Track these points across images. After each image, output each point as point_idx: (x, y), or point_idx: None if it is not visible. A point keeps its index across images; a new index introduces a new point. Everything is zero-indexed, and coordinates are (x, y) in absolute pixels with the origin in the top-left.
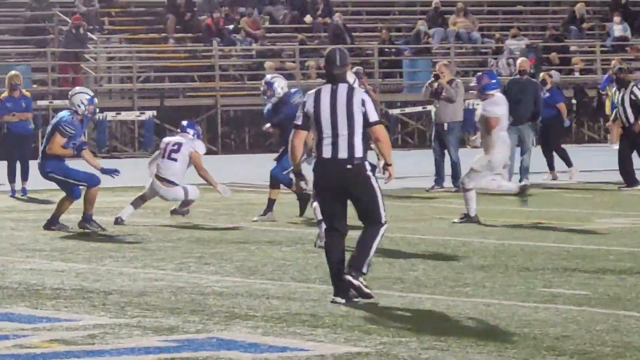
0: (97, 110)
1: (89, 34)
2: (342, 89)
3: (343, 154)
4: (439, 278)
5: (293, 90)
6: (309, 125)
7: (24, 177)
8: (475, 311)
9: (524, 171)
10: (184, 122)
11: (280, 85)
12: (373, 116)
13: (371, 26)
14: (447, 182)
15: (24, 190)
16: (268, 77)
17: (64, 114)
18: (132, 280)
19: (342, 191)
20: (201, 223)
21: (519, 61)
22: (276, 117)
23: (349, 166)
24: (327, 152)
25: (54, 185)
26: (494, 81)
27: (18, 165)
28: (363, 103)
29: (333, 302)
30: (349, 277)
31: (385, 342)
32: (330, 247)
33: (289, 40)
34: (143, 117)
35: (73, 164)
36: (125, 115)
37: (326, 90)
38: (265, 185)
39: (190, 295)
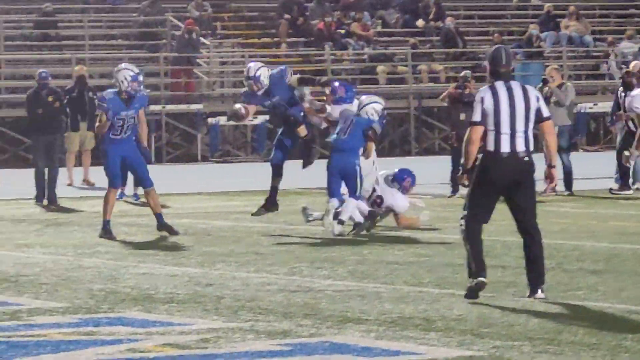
0: (142, 87)
1: (201, 38)
2: (516, 86)
3: (521, 147)
4: (551, 282)
5: (277, 70)
6: (486, 121)
7: (136, 182)
8: (588, 315)
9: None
10: None
11: (265, 75)
12: (546, 112)
13: (483, 30)
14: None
15: (136, 196)
16: (252, 70)
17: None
18: (245, 284)
19: (511, 185)
20: (313, 227)
21: (632, 64)
22: (269, 100)
23: (526, 159)
24: (505, 147)
25: (165, 191)
26: None
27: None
28: (537, 99)
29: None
30: (540, 295)
31: (498, 346)
32: (476, 237)
33: (401, 44)
34: (255, 122)
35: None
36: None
37: (501, 87)
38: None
39: (302, 299)
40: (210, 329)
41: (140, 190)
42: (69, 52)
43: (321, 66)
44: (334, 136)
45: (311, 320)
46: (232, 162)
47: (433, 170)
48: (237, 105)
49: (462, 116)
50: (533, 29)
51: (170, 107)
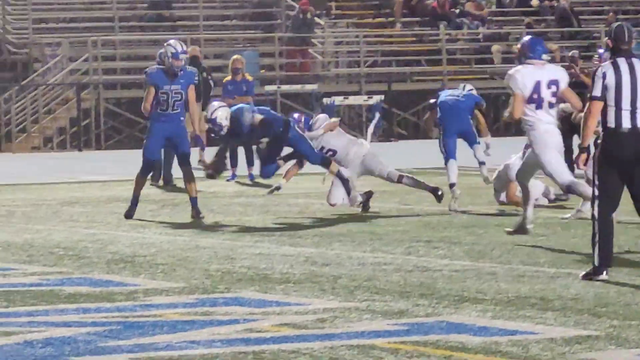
0: (185, 65)
1: (316, 18)
2: (638, 62)
3: None
4: None
5: (235, 109)
6: (606, 97)
7: (250, 162)
8: None
9: None
10: None
11: (222, 117)
12: None
13: (598, 9)
14: None
15: (251, 176)
16: (209, 112)
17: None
18: (361, 264)
19: (632, 162)
20: (428, 207)
21: None
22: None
23: None
24: (626, 123)
25: (280, 171)
26: None
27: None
28: None
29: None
30: None
31: (616, 325)
32: (607, 226)
33: (516, 24)
34: (370, 102)
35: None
36: (352, 100)
37: (623, 63)
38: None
39: (419, 278)
40: (327, 308)
41: (255, 170)
42: (184, 32)
43: (435, 46)
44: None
45: (428, 300)
46: None
47: None
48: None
49: None
50: None
51: (285, 87)
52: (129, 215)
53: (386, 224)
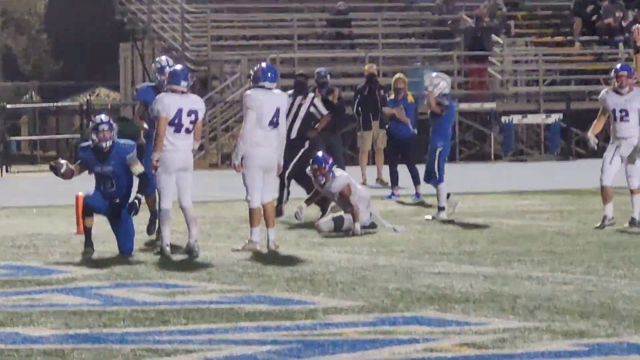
0: (167, 81)
1: (494, 36)
2: None
3: None
4: None
5: None
6: None
7: (415, 180)
8: None
9: None
10: None
11: None
12: None
13: None
14: None
15: (417, 195)
16: None
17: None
18: (541, 283)
19: None
20: (607, 227)
21: None
22: None
23: None
24: None
25: (457, 190)
26: None
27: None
28: None
29: None
30: None
31: None
32: None
33: None
34: (549, 121)
35: None
36: (531, 119)
37: None
38: None
39: (599, 299)
40: (507, 328)
41: (423, 189)
42: (362, 50)
43: (613, 65)
44: None
45: (608, 321)
46: (525, 161)
47: None
48: None
49: None
50: None
51: (463, 106)
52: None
53: (565, 244)
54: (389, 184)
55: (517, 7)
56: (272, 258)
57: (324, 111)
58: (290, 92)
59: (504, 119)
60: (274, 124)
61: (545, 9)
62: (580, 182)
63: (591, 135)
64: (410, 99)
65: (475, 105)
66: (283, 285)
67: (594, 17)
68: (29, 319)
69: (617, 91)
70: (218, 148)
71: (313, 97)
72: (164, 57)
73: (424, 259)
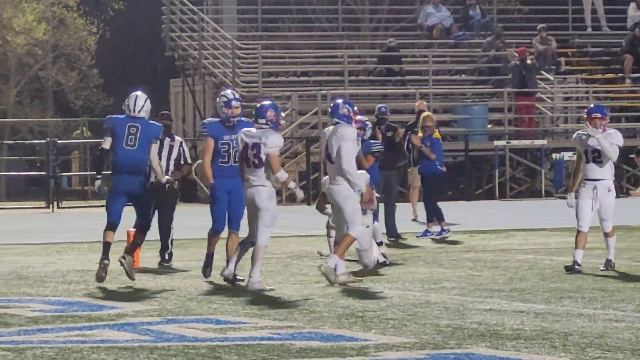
0: (240, 114)
1: (544, 73)
2: None
3: None
4: None
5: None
6: None
7: (430, 218)
8: None
9: None
10: None
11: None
12: None
13: None
14: None
15: (443, 230)
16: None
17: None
18: (592, 321)
19: None
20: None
21: None
22: None
23: None
24: None
25: (507, 226)
26: None
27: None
28: None
29: None
30: None
31: None
32: None
33: None
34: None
35: None
36: None
37: None
38: None
39: None
40: None
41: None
42: (412, 87)
43: None
44: None
45: None
46: (576, 198)
47: None
48: None
49: None
50: None
51: (514, 143)
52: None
53: (617, 281)
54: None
55: (567, 44)
56: (322, 294)
57: (189, 158)
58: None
59: (554, 155)
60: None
61: (596, 45)
62: (632, 220)
63: (571, 194)
64: (436, 135)
65: (526, 142)
66: (334, 321)
67: None
68: (79, 355)
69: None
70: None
71: (181, 142)
72: (229, 91)
73: (474, 296)
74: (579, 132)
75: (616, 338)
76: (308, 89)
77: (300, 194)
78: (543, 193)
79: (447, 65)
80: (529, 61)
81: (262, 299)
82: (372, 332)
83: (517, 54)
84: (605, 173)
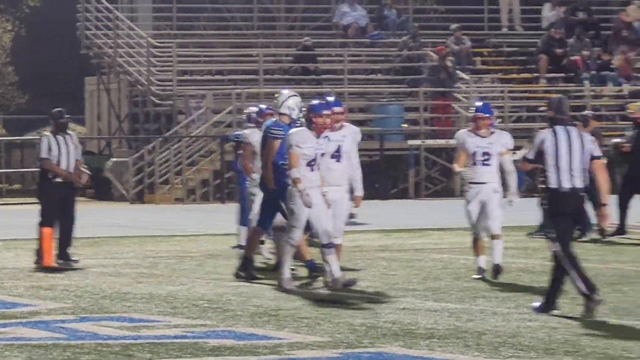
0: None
1: (460, 72)
2: (573, 130)
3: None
4: None
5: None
6: (539, 160)
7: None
8: None
9: None
10: None
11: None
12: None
13: None
14: None
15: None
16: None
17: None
18: (506, 320)
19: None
20: None
21: None
22: None
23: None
24: (565, 184)
25: (423, 225)
26: None
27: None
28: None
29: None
30: None
31: None
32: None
33: None
34: (515, 157)
35: None
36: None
37: (561, 130)
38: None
39: (564, 335)
40: None
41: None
42: (328, 86)
43: (580, 102)
44: None
45: (572, 357)
46: None
47: None
48: None
49: None
50: None
51: (429, 142)
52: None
53: (531, 280)
54: None
55: (483, 43)
56: (236, 293)
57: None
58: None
59: None
60: None
61: (512, 45)
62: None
63: (457, 167)
64: None
65: (441, 142)
66: (248, 320)
67: (560, 54)
68: None
69: (476, 133)
70: (183, 182)
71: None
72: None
73: (388, 295)
74: (464, 130)
75: (529, 337)
76: (223, 88)
77: None
78: (458, 192)
79: (362, 64)
80: (448, 62)
81: (176, 298)
82: (285, 330)
83: (435, 54)
84: (493, 176)
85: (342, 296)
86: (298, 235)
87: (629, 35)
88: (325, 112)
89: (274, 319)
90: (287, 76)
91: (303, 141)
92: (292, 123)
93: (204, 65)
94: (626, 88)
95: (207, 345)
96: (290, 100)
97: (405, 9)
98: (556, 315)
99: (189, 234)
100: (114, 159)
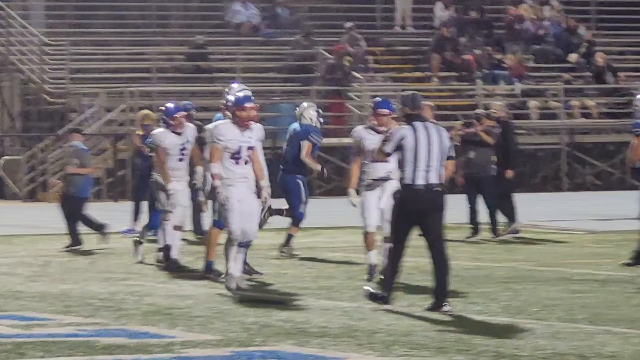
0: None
1: (353, 72)
2: (432, 126)
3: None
4: None
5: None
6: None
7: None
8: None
9: None
10: None
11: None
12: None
13: (636, 66)
14: None
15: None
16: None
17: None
18: (398, 319)
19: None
20: (466, 262)
21: None
22: None
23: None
24: (420, 179)
25: (315, 224)
26: None
27: None
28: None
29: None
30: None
31: None
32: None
33: (554, 80)
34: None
35: None
36: None
37: (419, 126)
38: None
39: (456, 334)
40: None
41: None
42: (220, 84)
43: (472, 101)
44: None
45: (464, 356)
46: None
47: (585, 207)
48: None
49: (472, 154)
50: None
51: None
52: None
53: (421, 279)
54: None
55: (376, 42)
56: (129, 291)
57: None
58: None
59: None
60: None
61: (404, 44)
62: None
63: (351, 191)
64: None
65: (334, 140)
66: (140, 318)
67: (452, 54)
68: None
69: (375, 129)
70: None
71: None
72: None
73: (281, 293)
74: (362, 127)
75: (422, 336)
76: (115, 86)
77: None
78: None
79: (255, 62)
80: (345, 62)
81: (69, 296)
82: (178, 329)
83: (333, 53)
84: (392, 172)
85: (235, 295)
86: (235, 230)
87: (521, 34)
88: (248, 104)
89: (167, 317)
90: (179, 74)
91: (223, 134)
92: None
93: (99, 64)
94: (518, 87)
95: (99, 343)
96: (310, 110)
97: (299, 7)
98: (449, 314)
99: (82, 233)
100: (7, 157)
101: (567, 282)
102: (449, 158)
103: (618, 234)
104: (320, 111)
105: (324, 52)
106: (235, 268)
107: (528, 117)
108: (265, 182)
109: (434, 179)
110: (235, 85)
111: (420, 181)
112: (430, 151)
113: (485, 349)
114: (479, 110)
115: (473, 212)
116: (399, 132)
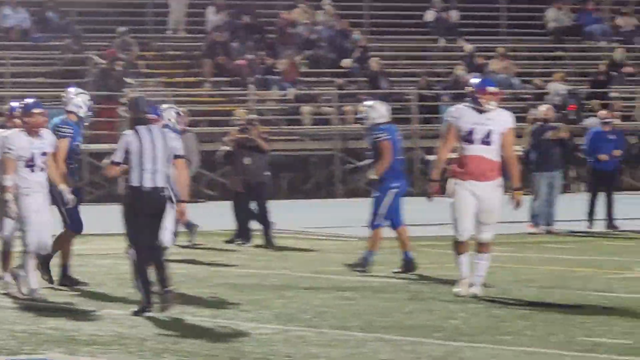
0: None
1: (125, 79)
2: (156, 129)
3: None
4: (480, 326)
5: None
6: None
7: None
8: None
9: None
10: None
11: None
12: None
13: (409, 71)
14: None
15: None
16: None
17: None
18: (168, 327)
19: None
20: (238, 269)
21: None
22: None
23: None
24: (147, 182)
25: (86, 231)
26: None
27: None
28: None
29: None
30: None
31: None
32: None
33: (327, 85)
34: None
35: None
36: None
37: (143, 130)
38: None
39: (227, 342)
40: None
41: None
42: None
43: (245, 106)
44: None
45: None
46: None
47: (358, 213)
48: None
49: (247, 160)
50: (459, 71)
51: (93, 146)
52: None
53: (194, 286)
54: None
55: (147, 47)
56: None
57: None
58: None
59: None
60: None
61: (176, 49)
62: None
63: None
64: None
65: (105, 146)
66: None
67: (224, 58)
68: None
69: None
70: None
71: None
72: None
73: (51, 301)
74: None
75: (192, 343)
76: None
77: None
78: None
79: (25, 67)
80: (116, 67)
81: None
82: None
83: (104, 58)
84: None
85: (3, 302)
86: (32, 242)
87: (294, 38)
88: (36, 110)
89: None
90: None
91: (14, 143)
92: (80, 121)
93: None
94: (291, 92)
95: None
96: (78, 98)
97: (69, 11)
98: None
99: None
100: None
101: (339, 289)
102: (177, 157)
103: (391, 240)
104: (181, 113)
105: (94, 57)
106: (34, 281)
107: (301, 122)
108: (63, 186)
109: (160, 182)
110: (72, 90)
111: (148, 184)
112: (155, 154)
113: (256, 357)
114: (252, 116)
115: (247, 218)
116: (123, 139)
